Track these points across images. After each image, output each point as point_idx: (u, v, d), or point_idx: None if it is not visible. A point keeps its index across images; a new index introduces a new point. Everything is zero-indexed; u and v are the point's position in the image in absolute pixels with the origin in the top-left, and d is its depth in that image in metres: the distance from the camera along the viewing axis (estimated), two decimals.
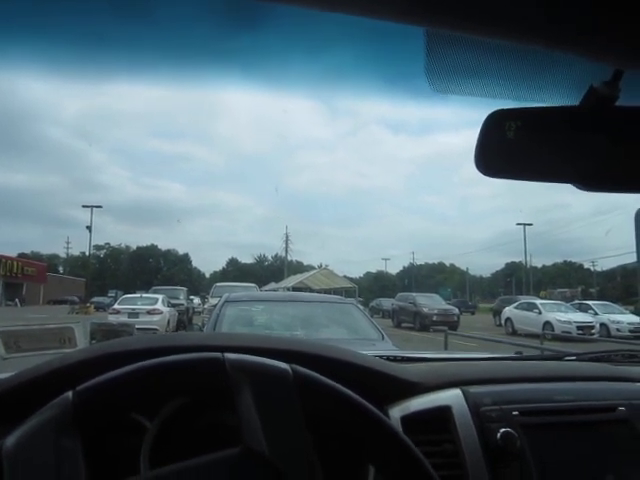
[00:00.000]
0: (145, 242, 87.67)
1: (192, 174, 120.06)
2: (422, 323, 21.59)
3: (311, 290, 32.01)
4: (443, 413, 1.05)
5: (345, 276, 45.23)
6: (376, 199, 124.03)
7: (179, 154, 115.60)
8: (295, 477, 0.65)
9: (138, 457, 0.86)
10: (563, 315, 19.44)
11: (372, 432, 0.71)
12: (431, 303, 23.24)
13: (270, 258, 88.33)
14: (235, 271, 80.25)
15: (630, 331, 18.91)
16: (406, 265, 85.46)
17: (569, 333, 17.18)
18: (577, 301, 27.15)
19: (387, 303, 31.33)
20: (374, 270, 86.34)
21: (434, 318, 21.45)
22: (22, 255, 63.35)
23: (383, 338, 4.70)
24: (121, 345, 0.97)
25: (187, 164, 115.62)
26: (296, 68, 0.93)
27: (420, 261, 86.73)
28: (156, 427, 0.89)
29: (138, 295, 19.69)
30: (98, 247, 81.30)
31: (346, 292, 34.67)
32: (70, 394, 0.66)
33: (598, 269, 70.20)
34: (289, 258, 71.38)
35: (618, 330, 19.20)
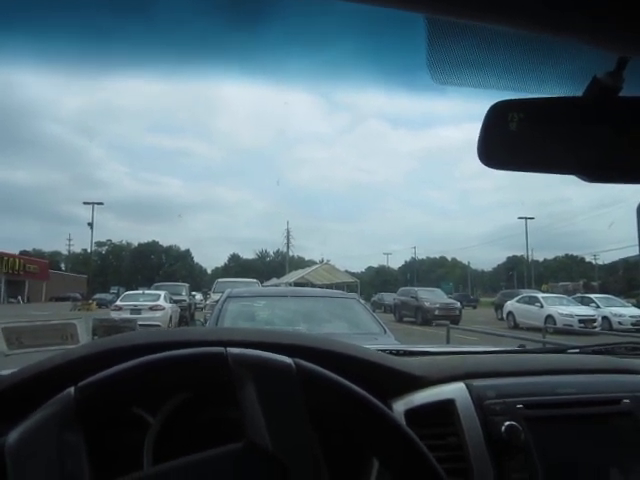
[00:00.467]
0: (146, 238, 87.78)
1: (192, 169, 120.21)
2: (424, 317, 21.59)
3: (313, 285, 32.06)
4: (447, 406, 1.05)
5: (347, 271, 45.38)
6: (377, 193, 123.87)
7: (179, 149, 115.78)
8: (299, 471, 0.65)
9: (141, 452, 0.86)
10: (565, 308, 19.43)
11: (376, 426, 0.71)
12: (433, 297, 23.25)
13: (272, 254, 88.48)
14: (237, 267, 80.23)
15: (632, 324, 18.87)
16: (408, 260, 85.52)
17: (571, 326, 17.19)
18: (579, 294, 27.10)
19: (389, 298, 31.31)
20: (376, 265, 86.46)
21: (436, 312, 21.45)
22: (24, 252, 63.40)
23: (385, 332, 4.71)
24: (123, 340, 0.97)
25: (187, 159, 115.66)
26: (295, 61, 0.93)
27: (422, 255, 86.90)
28: (159, 422, 0.89)
29: (140, 292, 19.71)
30: (100, 244, 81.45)
31: (348, 287, 34.71)
32: (72, 390, 0.66)
33: (600, 262, 70.22)
34: (290, 253, 71.51)
35: (620, 323, 19.17)
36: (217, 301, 5.70)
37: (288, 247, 69.35)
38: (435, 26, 0.75)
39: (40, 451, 0.62)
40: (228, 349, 0.69)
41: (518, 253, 71.65)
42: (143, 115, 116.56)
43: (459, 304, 23.71)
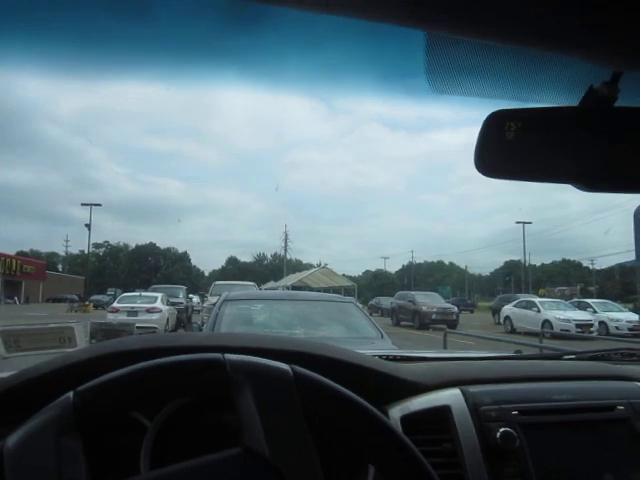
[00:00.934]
0: (144, 240, 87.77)
1: (190, 172, 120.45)
2: (421, 322, 21.56)
3: (310, 289, 32.04)
4: (442, 413, 1.05)
5: (344, 275, 45.27)
6: (376, 197, 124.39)
7: (177, 152, 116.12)
8: (296, 477, 0.65)
9: (139, 457, 0.86)
10: (562, 313, 19.43)
11: (372, 432, 0.71)
12: (430, 301, 23.20)
13: (269, 257, 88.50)
14: (234, 270, 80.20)
15: (629, 329, 18.90)
16: (405, 263, 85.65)
17: (568, 331, 17.20)
18: (576, 299, 27.16)
19: (386, 302, 31.30)
20: (373, 269, 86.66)
21: (433, 316, 21.45)
22: (21, 253, 63.32)
23: (382, 337, 4.71)
24: (122, 345, 0.97)
25: (185, 162, 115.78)
26: (294, 67, 0.93)
27: (419, 259, 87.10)
28: (156, 427, 0.89)
29: (137, 293, 19.61)
30: (97, 245, 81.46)
31: (345, 290, 34.71)
32: (71, 394, 0.66)
33: (597, 267, 70.41)
34: (288, 257, 71.52)
35: (617, 328, 19.19)
36: (214, 304, 5.69)
37: (286, 250, 69.38)
38: (433, 36, 0.75)
39: (38, 455, 0.62)
40: (226, 355, 0.70)
41: (516, 258, 71.93)
42: (142, 117, 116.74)
43: (456, 308, 23.66)
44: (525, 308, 20.93)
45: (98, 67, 0.94)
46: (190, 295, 28.90)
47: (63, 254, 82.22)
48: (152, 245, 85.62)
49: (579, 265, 77.09)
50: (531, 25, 0.61)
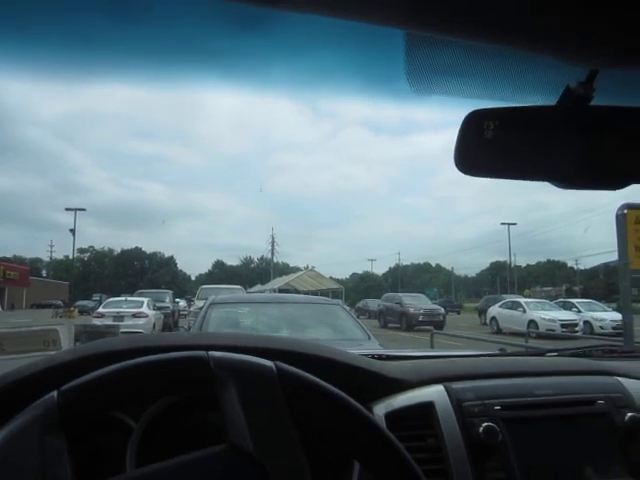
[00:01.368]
0: (129, 245, 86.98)
1: (175, 176, 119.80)
2: (408, 323, 21.65)
3: (297, 291, 32.04)
4: (426, 409, 1.07)
5: (331, 277, 45.33)
6: (361, 200, 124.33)
7: (161, 155, 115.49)
8: (281, 473, 0.65)
9: (125, 457, 0.86)
10: (547, 313, 19.62)
11: (356, 429, 0.72)
12: (417, 303, 23.30)
13: (256, 260, 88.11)
14: (221, 273, 79.76)
15: (613, 328, 19.04)
16: (392, 266, 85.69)
17: (553, 331, 17.35)
18: (561, 299, 27.38)
19: (373, 304, 31.32)
20: (360, 271, 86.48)
21: (420, 318, 21.54)
22: (4, 259, 62.42)
23: (369, 338, 4.72)
24: (106, 346, 0.97)
25: (170, 166, 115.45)
26: (278, 69, 0.93)
27: (406, 261, 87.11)
28: (142, 426, 0.89)
29: (123, 298, 19.47)
30: (82, 250, 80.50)
31: (333, 293, 34.71)
32: (55, 394, 0.66)
33: (581, 267, 71.01)
34: (275, 260, 71.30)
35: (601, 327, 19.39)
36: (201, 308, 5.67)
37: (273, 253, 69.19)
38: (413, 36, 0.77)
39: (22, 455, 0.62)
40: (210, 353, 0.70)
41: (501, 259, 72.40)
42: (125, 121, 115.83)
43: (443, 310, 23.79)
44: (511, 309, 21.10)
45: (81, 69, 0.93)
46: (177, 299, 28.74)
47: (47, 260, 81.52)
48: (138, 249, 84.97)
49: (564, 265, 77.78)
50: (507, 24, 0.63)
